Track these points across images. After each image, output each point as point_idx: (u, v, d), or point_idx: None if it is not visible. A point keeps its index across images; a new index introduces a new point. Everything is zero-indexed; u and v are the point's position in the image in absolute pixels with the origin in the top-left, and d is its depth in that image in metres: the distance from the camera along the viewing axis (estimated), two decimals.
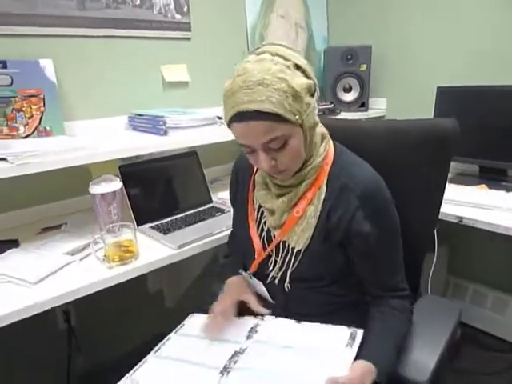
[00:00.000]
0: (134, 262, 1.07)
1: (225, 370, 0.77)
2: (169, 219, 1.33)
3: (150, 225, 1.28)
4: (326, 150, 0.85)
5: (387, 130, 1.01)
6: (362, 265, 0.85)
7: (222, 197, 1.50)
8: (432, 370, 0.78)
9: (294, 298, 0.90)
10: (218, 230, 1.22)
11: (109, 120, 1.50)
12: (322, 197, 0.83)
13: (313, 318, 0.89)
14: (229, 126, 0.76)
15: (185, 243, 1.14)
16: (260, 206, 0.92)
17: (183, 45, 1.68)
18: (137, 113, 1.50)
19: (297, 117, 0.73)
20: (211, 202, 1.48)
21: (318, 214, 0.83)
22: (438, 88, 1.59)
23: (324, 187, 0.83)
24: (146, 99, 1.59)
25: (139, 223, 1.28)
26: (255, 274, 0.93)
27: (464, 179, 1.55)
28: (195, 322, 0.93)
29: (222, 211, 1.39)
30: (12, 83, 1.26)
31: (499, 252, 1.77)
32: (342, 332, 0.81)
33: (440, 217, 1.30)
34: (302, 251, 0.84)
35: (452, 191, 1.43)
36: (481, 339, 1.82)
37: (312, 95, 0.78)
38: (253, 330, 0.87)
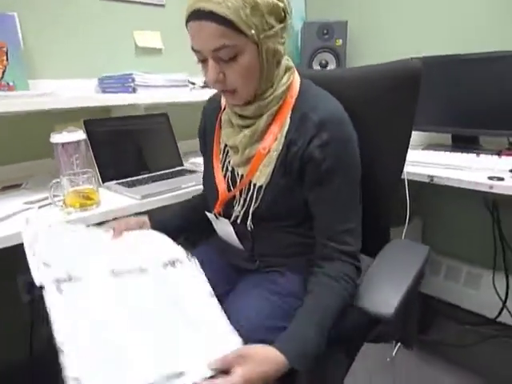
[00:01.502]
0: (95, 209, 1.02)
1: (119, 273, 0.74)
2: (136, 178, 1.29)
3: (115, 182, 1.24)
4: (290, 81, 0.82)
5: (355, 76, 1.01)
6: (312, 198, 0.81)
7: (194, 161, 1.47)
8: (398, 305, 0.76)
9: (259, 239, 0.87)
10: (187, 184, 1.18)
11: (77, 81, 1.45)
12: (285, 129, 0.80)
13: (279, 260, 0.87)
14: (186, 25, 0.73)
15: (149, 194, 1.10)
16: (226, 146, 0.89)
17: (157, 11, 1.66)
18: (106, 75, 1.47)
19: (252, 31, 0.70)
20: (182, 165, 1.45)
21: (281, 147, 0.80)
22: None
23: (288, 120, 0.81)
24: (117, 64, 1.56)
25: (104, 180, 1.24)
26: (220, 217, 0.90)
27: (436, 148, 1.56)
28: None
29: (194, 172, 1.35)
30: None
31: (472, 225, 1.78)
32: (231, 337, 0.70)
33: (411, 178, 1.32)
34: (264, 187, 0.82)
35: (424, 155, 1.43)
36: (454, 313, 1.82)
37: (279, 21, 0.75)
38: (172, 263, 0.82)
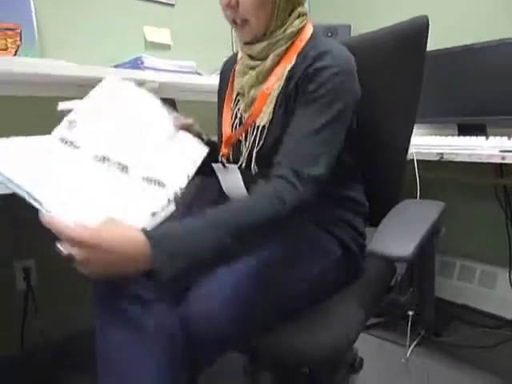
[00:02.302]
0: None
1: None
2: None
3: None
4: (302, 25, 0.82)
5: (362, 43, 1.01)
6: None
7: None
8: (414, 248, 0.72)
9: None
10: None
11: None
12: (288, 69, 0.79)
13: None
14: None
15: None
16: (237, 95, 0.89)
17: (166, 10, 1.72)
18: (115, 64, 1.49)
19: None
20: None
21: (281, 85, 0.79)
22: None
23: (293, 61, 0.80)
24: (126, 56, 1.59)
25: None
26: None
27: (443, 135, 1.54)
28: None
29: None
30: None
31: (484, 222, 1.73)
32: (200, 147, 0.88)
33: (421, 158, 1.30)
34: (266, 127, 0.80)
35: (431, 140, 1.42)
36: (469, 315, 1.73)
37: None
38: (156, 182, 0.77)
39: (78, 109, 0.81)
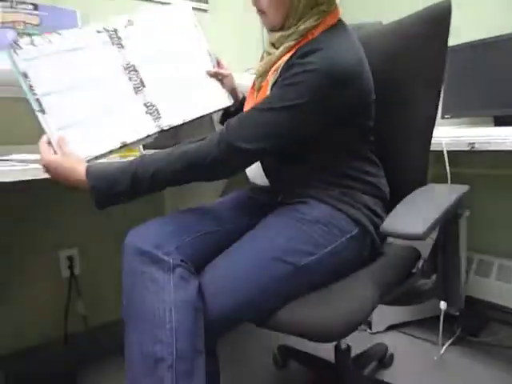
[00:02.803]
0: None
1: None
2: None
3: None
4: (317, 23, 0.83)
5: (387, 30, 1.04)
6: None
7: None
8: (428, 226, 0.71)
9: (282, 169, 0.90)
10: None
11: None
12: (286, 58, 0.82)
13: (302, 190, 0.87)
14: None
15: None
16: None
17: (199, 16, 1.79)
18: None
19: None
20: None
21: (276, 77, 0.82)
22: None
23: (290, 55, 0.82)
24: None
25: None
26: None
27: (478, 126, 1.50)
28: None
29: None
30: (40, 24, 1.39)
31: None
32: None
33: (450, 148, 1.27)
34: None
35: (463, 131, 1.39)
36: (508, 317, 1.65)
37: None
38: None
39: (137, 16, 0.91)
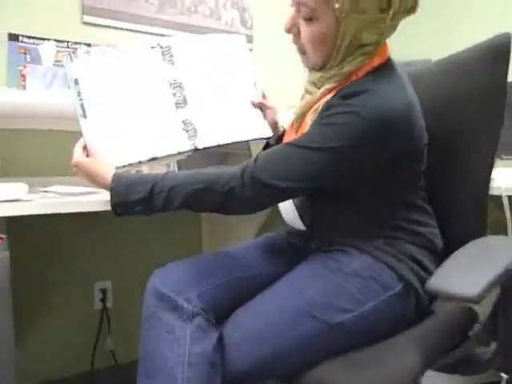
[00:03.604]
0: None
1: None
2: None
3: None
4: (362, 64, 0.76)
5: (441, 66, 0.98)
6: None
7: None
8: (485, 286, 0.61)
9: (319, 213, 0.83)
10: None
11: None
12: (325, 99, 0.77)
13: (341, 237, 0.79)
14: None
15: None
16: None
17: None
18: None
19: (337, 5, 0.69)
20: None
21: (313, 120, 0.77)
22: None
23: (330, 97, 0.77)
24: None
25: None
26: None
27: None
28: None
29: None
30: None
31: None
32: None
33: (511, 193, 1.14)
34: None
35: None
36: None
37: (379, 9, 0.70)
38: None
39: (192, 38, 0.97)
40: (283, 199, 0.78)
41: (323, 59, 0.78)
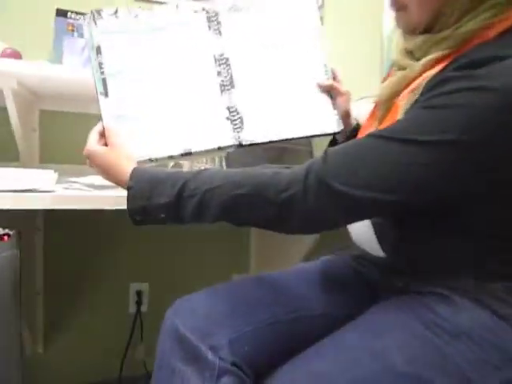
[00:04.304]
0: None
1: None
2: None
3: None
4: (489, 22, 0.52)
5: None
6: None
7: None
8: None
9: (407, 237, 0.58)
10: None
11: None
12: (428, 79, 0.53)
13: (440, 276, 0.55)
14: None
15: None
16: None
17: None
18: None
19: None
20: None
21: (413, 100, 0.54)
22: None
23: (437, 70, 0.53)
24: None
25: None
26: None
27: None
28: None
29: None
30: None
31: None
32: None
33: None
34: None
35: None
36: None
37: None
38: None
39: (247, 1, 0.75)
40: (362, 216, 0.55)
41: (432, 16, 0.55)
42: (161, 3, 1.33)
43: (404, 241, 0.58)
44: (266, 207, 0.52)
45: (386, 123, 0.57)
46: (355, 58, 1.69)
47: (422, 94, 0.51)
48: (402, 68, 0.60)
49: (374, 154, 0.49)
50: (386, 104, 0.60)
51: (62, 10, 1.28)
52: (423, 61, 0.55)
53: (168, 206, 0.55)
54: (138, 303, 1.39)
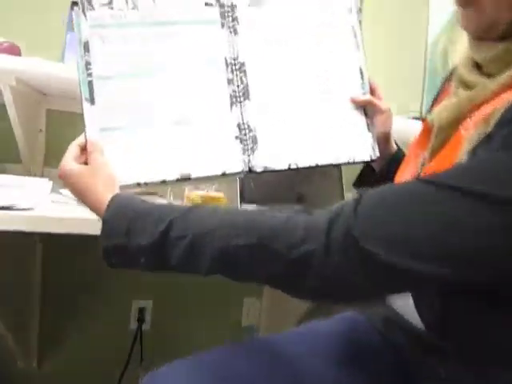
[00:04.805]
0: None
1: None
2: (282, 206, 1.01)
3: (254, 206, 0.98)
4: None
5: None
6: None
7: None
8: None
9: (453, 310, 0.45)
10: None
11: None
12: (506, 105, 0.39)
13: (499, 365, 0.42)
14: None
15: None
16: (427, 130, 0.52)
17: None
18: None
19: None
20: None
21: (484, 133, 0.39)
22: None
23: None
24: None
25: (243, 201, 1.00)
26: None
27: None
28: None
29: None
30: None
31: None
32: None
33: None
34: None
35: None
36: None
37: None
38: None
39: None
40: (400, 290, 0.42)
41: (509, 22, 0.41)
42: None
43: (451, 315, 0.44)
44: (273, 264, 0.40)
45: (443, 161, 0.43)
46: (393, 66, 1.53)
47: (498, 126, 0.37)
48: (466, 85, 0.46)
49: (426, 209, 0.36)
50: (442, 132, 0.45)
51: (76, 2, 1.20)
52: (502, 78, 0.41)
53: (150, 248, 0.44)
54: (140, 321, 1.29)
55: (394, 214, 0.37)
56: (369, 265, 0.36)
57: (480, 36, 0.44)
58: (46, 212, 0.64)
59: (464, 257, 0.34)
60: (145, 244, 0.44)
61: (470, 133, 0.40)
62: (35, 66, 0.83)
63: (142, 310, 1.29)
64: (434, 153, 0.46)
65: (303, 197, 1.06)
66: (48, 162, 1.18)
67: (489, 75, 0.43)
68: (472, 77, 0.45)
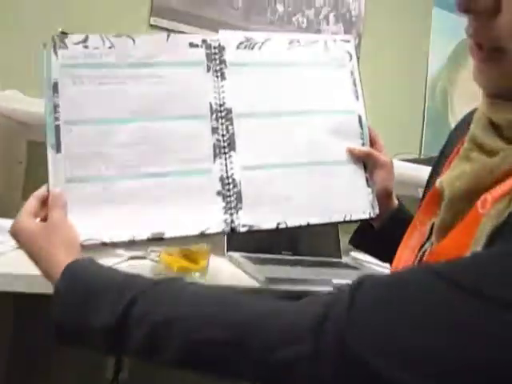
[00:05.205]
0: (196, 278, 0.68)
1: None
2: (271, 256, 0.95)
3: (242, 254, 0.90)
4: None
5: None
6: None
7: (356, 256, 1.05)
8: None
9: None
10: (340, 280, 0.73)
11: None
12: None
13: None
14: None
15: (277, 279, 0.70)
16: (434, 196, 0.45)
17: None
18: None
19: None
20: (340, 257, 1.04)
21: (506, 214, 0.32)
22: None
23: None
24: None
25: (230, 248, 0.92)
26: None
27: None
28: None
29: (354, 268, 0.94)
30: None
31: None
32: None
33: None
34: None
35: None
36: None
37: None
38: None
39: (264, 37, 0.57)
40: None
41: None
42: (183, 33, 1.20)
43: None
44: (246, 366, 0.33)
45: (455, 243, 0.36)
46: (392, 106, 1.49)
47: None
48: (482, 149, 0.39)
49: (425, 309, 0.28)
50: (454, 206, 0.38)
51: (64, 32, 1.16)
52: None
53: (106, 331, 0.37)
54: (117, 370, 1.19)
55: (395, 314, 0.29)
56: (367, 380, 0.28)
57: (498, 92, 0.38)
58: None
59: (465, 366, 0.27)
60: (99, 327, 0.37)
61: (488, 211, 0.34)
62: (14, 100, 0.78)
63: (118, 359, 1.19)
64: (444, 228, 0.39)
65: (295, 243, 0.99)
66: (26, 195, 1.12)
67: (510, 140, 0.37)
68: (490, 140, 0.38)
